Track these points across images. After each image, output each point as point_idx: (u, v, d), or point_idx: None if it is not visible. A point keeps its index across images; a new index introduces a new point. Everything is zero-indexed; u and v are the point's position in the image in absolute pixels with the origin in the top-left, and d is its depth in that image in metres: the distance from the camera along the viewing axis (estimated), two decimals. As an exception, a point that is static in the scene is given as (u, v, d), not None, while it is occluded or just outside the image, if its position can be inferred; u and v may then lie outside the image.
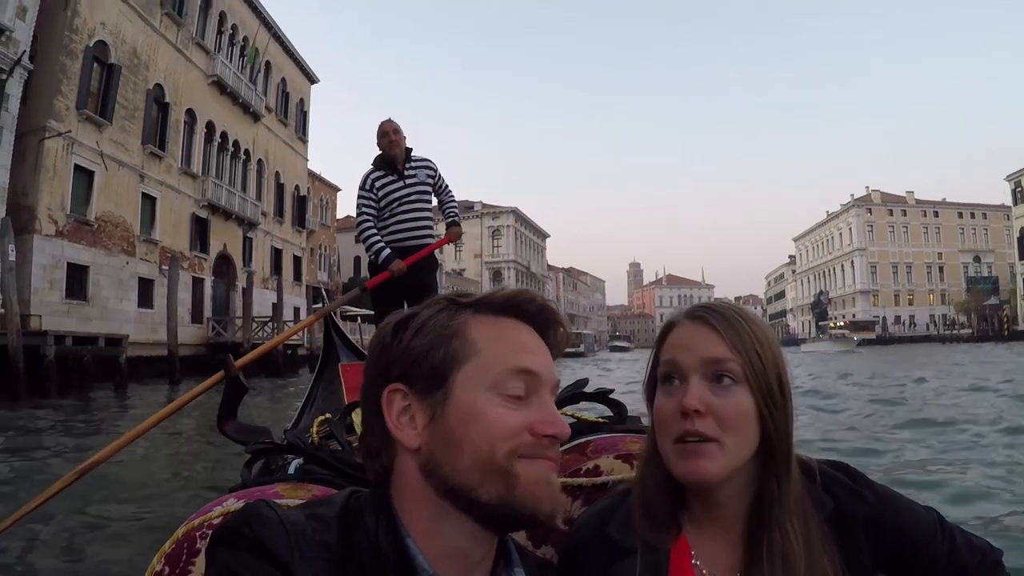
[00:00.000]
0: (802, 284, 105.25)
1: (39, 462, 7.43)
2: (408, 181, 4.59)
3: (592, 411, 1.42)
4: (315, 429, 1.40)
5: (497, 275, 79.25)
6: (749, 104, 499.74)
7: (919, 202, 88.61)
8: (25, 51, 18.58)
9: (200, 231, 29.10)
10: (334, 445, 1.31)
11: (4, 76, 17.86)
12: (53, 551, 4.13)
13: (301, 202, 40.93)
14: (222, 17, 31.14)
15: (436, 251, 4.82)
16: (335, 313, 4.33)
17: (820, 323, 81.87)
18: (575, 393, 1.41)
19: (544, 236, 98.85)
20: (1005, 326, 69.29)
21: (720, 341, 0.85)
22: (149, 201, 25.46)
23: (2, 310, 15.98)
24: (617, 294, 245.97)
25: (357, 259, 65.76)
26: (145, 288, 24.62)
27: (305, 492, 1.04)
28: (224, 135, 31.19)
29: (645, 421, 1.19)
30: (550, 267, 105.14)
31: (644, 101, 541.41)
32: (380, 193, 4.56)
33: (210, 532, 0.80)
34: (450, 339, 0.74)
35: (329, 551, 0.68)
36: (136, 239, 24.46)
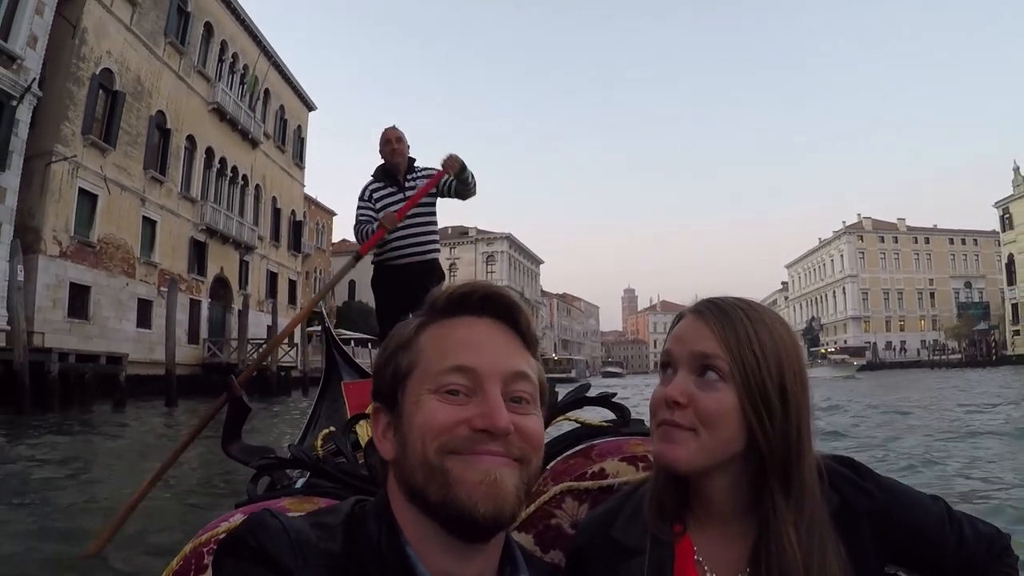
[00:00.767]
0: (795, 310, 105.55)
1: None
2: (408, 194, 4.31)
3: (587, 412, 1.43)
4: (319, 443, 1.40)
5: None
6: (743, 131, 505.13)
7: (910, 229, 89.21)
8: (35, 79, 19.25)
9: (198, 254, 29.68)
10: (340, 460, 1.31)
11: (15, 103, 18.53)
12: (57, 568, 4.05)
13: (297, 227, 41.63)
14: (223, 46, 32.01)
15: (439, 263, 4.56)
16: (332, 329, 4.36)
17: (812, 349, 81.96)
18: (578, 398, 1.40)
19: (538, 262, 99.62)
20: (993, 351, 69.64)
21: (711, 337, 0.86)
22: (149, 224, 26.09)
23: (8, 327, 16.56)
24: (612, 320, 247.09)
25: (352, 283, 66.49)
26: (144, 308, 25.17)
27: (311, 506, 1.05)
28: (223, 161, 31.93)
29: (648, 424, 1.27)
30: (544, 293, 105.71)
31: (639, 129, 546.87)
32: (378, 205, 4.33)
33: None
34: (400, 352, 0.77)
35: (333, 559, 0.68)
36: (136, 261, 25.04)
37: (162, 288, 25.47)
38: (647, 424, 1.25)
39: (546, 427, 1.02)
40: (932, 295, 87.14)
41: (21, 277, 16.31)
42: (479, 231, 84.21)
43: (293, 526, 0.68)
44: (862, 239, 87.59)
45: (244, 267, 33.92)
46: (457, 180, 4.26)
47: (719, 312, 0.88)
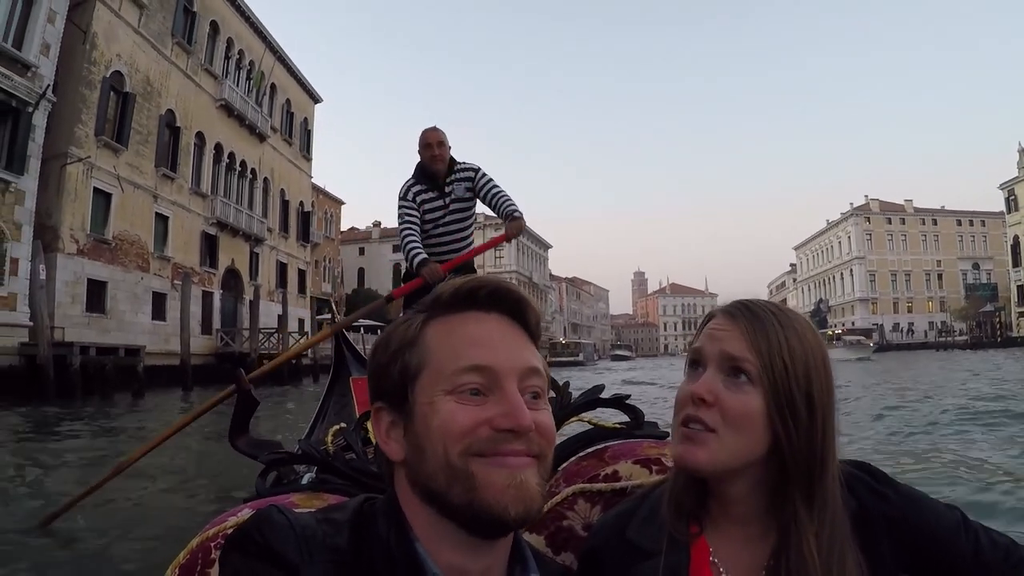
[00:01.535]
0: (803, 292, 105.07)
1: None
2: (447, 199, 4.18)
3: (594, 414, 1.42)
4: (330, 439, 1.38)
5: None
6: (752, 115, 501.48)
7: (917, 210, 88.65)
8: (49, 85, 20.13)
9: (209, 247, 30.70)
10: (350, 455, 1.30)
11: (31, 109, 19.45)
12: (60, 560, 4.12)
13: (305, 217, 42.61)
14: (229, 43, 32.81)
15: (477, 257, 4.37)
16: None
17: (819, 331, 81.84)
18: (592, 399, 1.39)
19: (546, 247, 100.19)
20: (999, 333, 69.69)
21: (742, 339, 0.86)
22: (162, 220, 27.06)
23: (31, 323, 17.60)
24: (622, 303, 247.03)
25: (361, 271, 67.58)
26: (159, 301, 26.21)
27: (320, 502, 1.05)
28: (232, 155, 32.86)
29: (662, 427, 1.25)
30: (553, 277, 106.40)
31: (649, 111, 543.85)
32: (423, 208, 4.16)
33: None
34: (406, 350, 0.75)
35: (340, 555, 0.68)
36: (150, 256, 26.04)
37: (176, 281, 26.51)
38: (661, 427, 1.30)
39: (559, 428, 1.02)
40: (940, 276, 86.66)
41: (43, 276, 17.31)
42: (487, 217, 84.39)
43: (299, 522, 0.68)
44: (869, 221, 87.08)
45: (254, 258, 34.94)
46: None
47: (751, 316, 0.88)
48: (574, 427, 1.36)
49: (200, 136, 30.18)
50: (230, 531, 0.91)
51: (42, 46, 20.03)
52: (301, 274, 41.73)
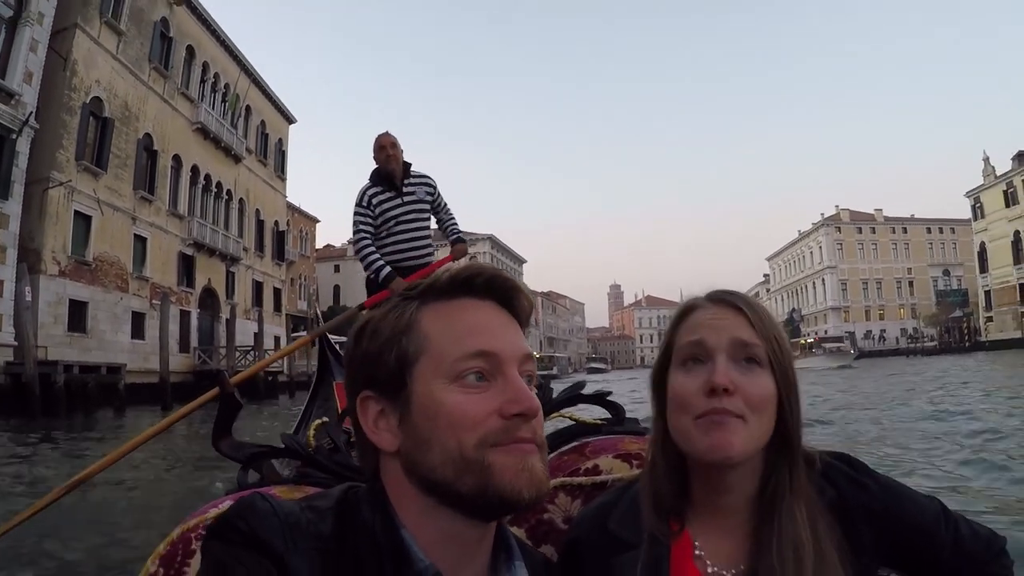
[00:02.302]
0: (776, 302, 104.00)
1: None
2: (406, 199, 4.41)
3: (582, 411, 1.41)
4: (312, 434, 1.37)
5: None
6: (724, 127, 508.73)
7: (888, 219, 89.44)
8: (32, 112, 20.85)
9: (186, 267, 31.30)
10: (331, 449, 1.29)
11: (15, 136, 20.13)
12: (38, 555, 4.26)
13: (280, 237, 43.31)
14: (205, 67, 33.63)
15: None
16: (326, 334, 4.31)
17: (792, 340, 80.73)
18: (573, 395, 1.39)
19: (521, 261, 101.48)
20: (967, 338, 70.29)
21: (748, 325, 0.87)
22: (140, 241, 27.71)
23: (16, 343, 18.24)
24: (598, 317, 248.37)
25: (336, 288, 67.95)
26: (138, 321, 26.82)
27: (302, 495, 1.01)
28: (208, 177, 33.58)
29: (643, 423, 1.28)
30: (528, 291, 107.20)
31: (621, 123, 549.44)
32: (377, 211, 4.37)
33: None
34: (401, 337, 0.73)
35: (324, 542, 0.67)
36: (129, 276, 26.64)
37: (154, 301, 27.12)
38: (641, 423, 1.31)
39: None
40: (911, 284, 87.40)
41: (29, 298, 17.99)
42: (462, 232, 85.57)
43: (283, 508, 0.67)
44: (840, 230, 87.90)
45: (231, 278, 35.59)
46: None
47: (744, 301, 0.89)
48: (555, 423, 1.35)
49: (177, 159, 30.86)
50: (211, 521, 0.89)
51: (25, 74, 20.75)
52: (277, 292, 42.38)
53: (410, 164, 4.49)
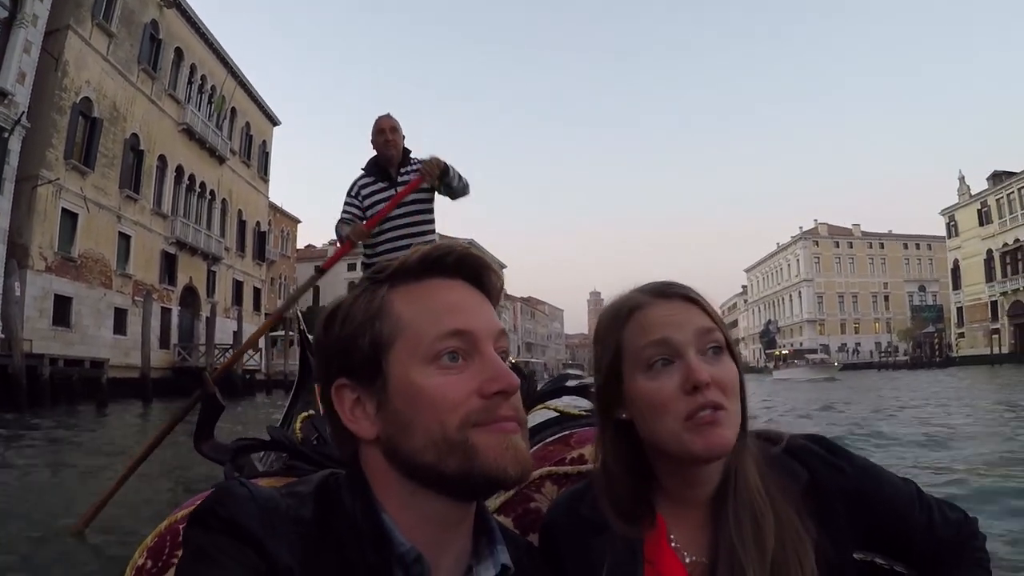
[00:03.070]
0: (753, 313, 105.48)
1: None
2: (399, 189, 4.00)
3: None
4: (298, 426, 1.40)
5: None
6: (708, 136, 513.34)
7: (865, 234, 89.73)
8: (24, 112, 21.36)
9: (169, 265, 31.82)
10: (316, 441, 1.28)
11: (7, 135, 20.67)
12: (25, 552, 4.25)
13: (261, 237, 43.84)
14: (192, 69, 34.14)
15: None
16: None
17: (768, 351, 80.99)
18: (557, 388, 1.41)
19: (501, 266, 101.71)
20: (938, 353, 70.58)
21: (703, 313, 0.86)
22: (125, 239, 28.21)
23: (3, 336, 18.80)
24: (578, 323, 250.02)
25: (316, 289, 68.07)
26: (120, 317, 27.32)
27: None
28: (192, 177, 34.08)
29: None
30: (507, 296, 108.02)
31: (604, 130, 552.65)
32: (366, 203, 4.06)
33: None
34: (374, 321, 0.72)
35: (304, 526, 0.67)
36: (113, 273, 27.14)
37: (136, 298, 27.64)
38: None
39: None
40: (887, 298, 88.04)
41: (19, 292, 18.58)
42: (440, 236, 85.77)
43: (262, 494, 0.67)
44: (817, 244, 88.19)
45: (212, 276, 36.11)
46: (441, 184, 3.97)
47: (692, 290, 0.89)
48: (541, 414, 1.35)
49: (162, 159, 31.38)
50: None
51: (18, 75, 21.27)
52: (256, 292, 42.91)
53: (410, 151, 4.12)
